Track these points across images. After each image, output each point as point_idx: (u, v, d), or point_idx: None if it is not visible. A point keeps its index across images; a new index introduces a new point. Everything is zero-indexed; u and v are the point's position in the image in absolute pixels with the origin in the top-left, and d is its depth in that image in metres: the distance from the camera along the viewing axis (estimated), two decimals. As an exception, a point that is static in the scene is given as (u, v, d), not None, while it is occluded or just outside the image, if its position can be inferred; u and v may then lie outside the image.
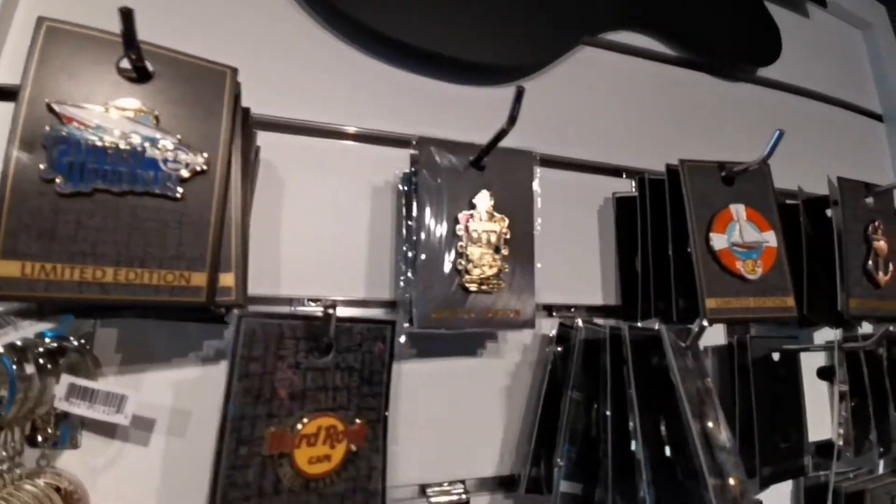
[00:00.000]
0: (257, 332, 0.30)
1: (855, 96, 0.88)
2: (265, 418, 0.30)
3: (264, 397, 0.30)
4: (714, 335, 0.64)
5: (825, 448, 0.57)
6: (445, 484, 0.49)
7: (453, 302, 0.42)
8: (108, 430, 0.41)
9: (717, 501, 0.33)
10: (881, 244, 0.60)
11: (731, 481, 0.36)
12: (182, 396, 0.42)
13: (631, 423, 0.39)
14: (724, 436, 0.38)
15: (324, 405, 0.32)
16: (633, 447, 0.38)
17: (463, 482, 0.50)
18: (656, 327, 0.39)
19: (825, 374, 0.60)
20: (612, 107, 0.66)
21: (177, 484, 0.41)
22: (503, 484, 0.51)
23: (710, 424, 0.37)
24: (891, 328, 0.48)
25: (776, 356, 0.59)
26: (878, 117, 0.90)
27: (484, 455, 0.51)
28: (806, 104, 0.82)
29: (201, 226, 0.32)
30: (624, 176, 0.63)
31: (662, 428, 0.40)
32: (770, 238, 0.50)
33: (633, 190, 0.60)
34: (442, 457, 0.49)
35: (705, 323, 0.40)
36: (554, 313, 0.54)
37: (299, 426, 0.31)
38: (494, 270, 0.43)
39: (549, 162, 0.60)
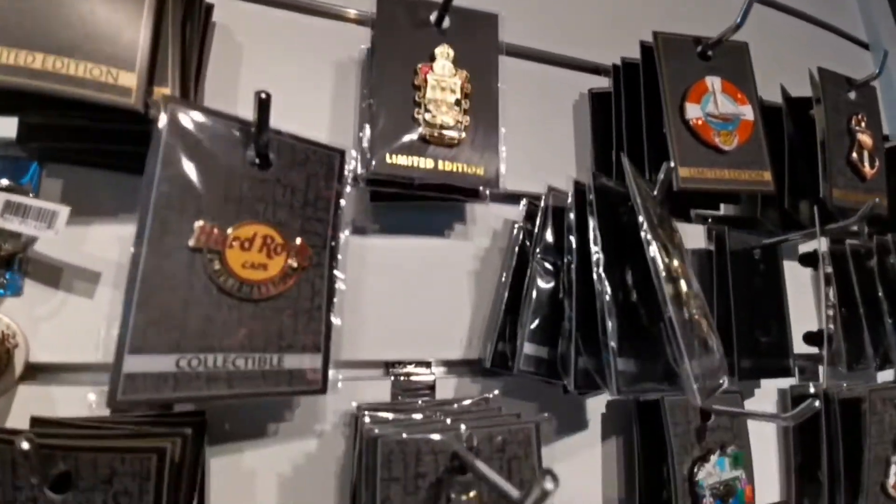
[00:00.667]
0: (187, 125, 0.28)
1: (842, 23, 0.86)
2: (194, 212, 0.28)
3: (194, 192, 0.28)
4: (695, 240, 0.62)
5: (813, 338, 0.55)
6: (412, 365, 0.47)
7: (410, 150, 0.40)
8: (51, 280, 0.39)
9: (682, 331, 0.32)
10: (865, 137, 0.58)
11: (696, 313, 0.34)
12: (128, 251, 0.41)
13: (595, 273, 0.37)
14: (690, 275, 0.36)
15: (262, 217, 0.31)
16: (597, 294, 0.36)
17: (429, 364, 0.48)
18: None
19: (808, 259, 0.58)
20: (590, 7, 0.64)
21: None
22: (470, 367, 0.49)
23: (676, 263, 0.35)
24: (877, 200, 0.46)
25: (757, 253, 0.57)
26: (866, 45, 0.88)
27: (451, 338, 0.49)
28: (793, 23, 0.81)
29: (130, 27, 0.30)
30: (601, 74, 0.61)
31: (629, 276, 0.38)
32: (747, 112, 0.49)
33: (609, 85, 0.58)
34: (407, 337, 0.47)
35: (672, 164, 0.38)
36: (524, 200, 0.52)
37: (232, 228, 0.29)
38: (453, 122, 0.41)
39: (525, 54, 0.58)
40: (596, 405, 0.53)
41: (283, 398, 0.30)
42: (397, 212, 0.48)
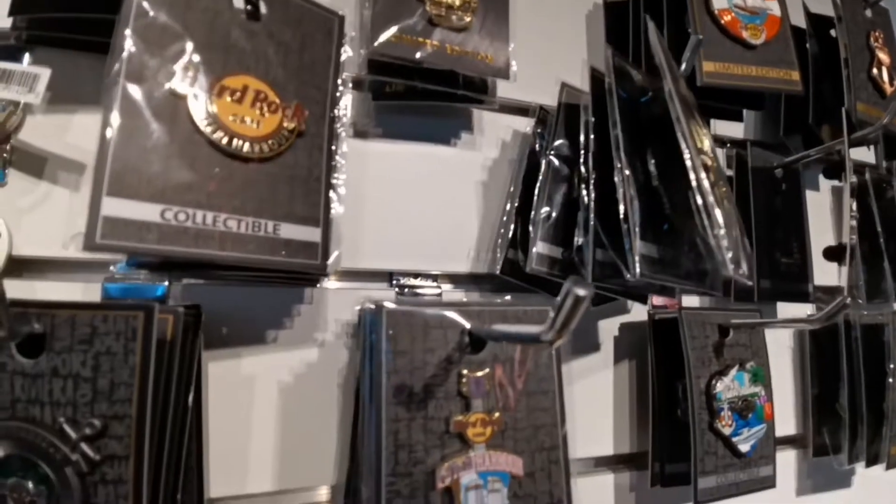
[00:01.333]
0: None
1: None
2: (176, 54, 0.25)
3: (175, 32, 0.25)
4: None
5: (834, 252, 0.53)
6: (417, 278, 0.45)
7: (415, 31, 0.37)
8: (35, 170, 0.37)
9: (712, 199, 0.29)
10: (883, 55, 0.56)
11: (725, 194, 0.31)
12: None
13: (615, 157, 0.34)
14: (718, 161, 0.33)
15: (253, 71, 0.28)
16: (617, 180, 0.33)
17: (435, 277, 0.46)
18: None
19: (832, 172, 0.56)
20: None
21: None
22: (477, 282, 0.47)
23: (707, 143, 0.32)
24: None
25: (779, 173, 0.55)
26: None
27: (457, 250, 0.46)
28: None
29: None
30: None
31: (650, 163, 0.35)
32: (773, 7, 0.45)
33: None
34: (412, 248, 0.45)
35: (700, 36, 0.35)
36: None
37: (219, 76, 0.27)
38: (461, 2, 0.38)
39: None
40: (608, 327, 0.51)
41: (281, 268, 0.28)
42: (401, 115, 0.46)
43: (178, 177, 0.25)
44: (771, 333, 0.56)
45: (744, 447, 0.44)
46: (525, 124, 0.49)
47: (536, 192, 0.41)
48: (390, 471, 0.25)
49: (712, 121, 0.53)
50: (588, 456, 0.49)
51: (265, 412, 0.39)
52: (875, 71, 0.56)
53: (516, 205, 0.44)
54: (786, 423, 0.59)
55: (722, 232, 0.27)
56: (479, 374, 0.28)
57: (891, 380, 0.54)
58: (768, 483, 0.47)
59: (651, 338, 0.48)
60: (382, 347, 0.26)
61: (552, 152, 0.41)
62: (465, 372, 0.27)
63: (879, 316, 0.57)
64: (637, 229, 0.32)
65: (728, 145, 0.59)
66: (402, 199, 0.45)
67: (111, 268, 0.32)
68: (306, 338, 0.41)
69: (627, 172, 0.32)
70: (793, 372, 0.60)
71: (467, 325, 0.28)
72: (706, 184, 0.28)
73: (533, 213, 0.40)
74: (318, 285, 0.41)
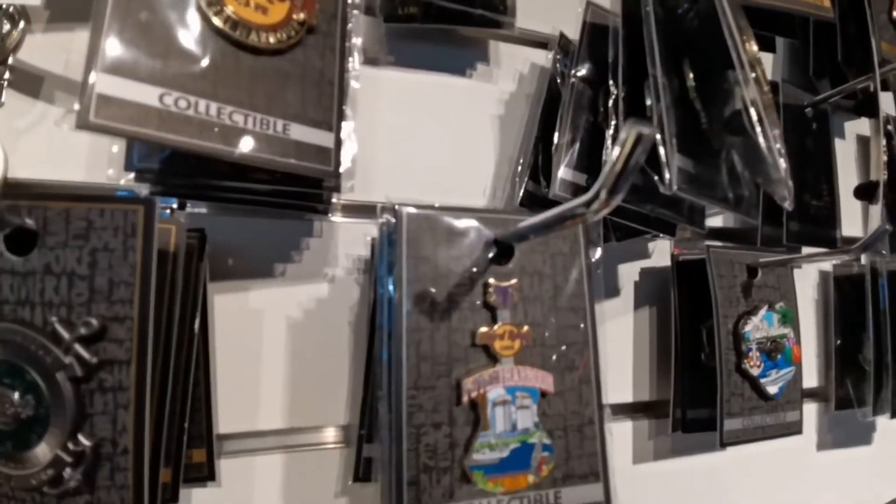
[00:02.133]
0: None
1: None
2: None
3: None
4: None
5: (865, 190, 0.51)
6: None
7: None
8: (32, 90, 0.35)
9: (768, 117, 0.27)
10: None
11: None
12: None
13: (650, 66, 0.32)
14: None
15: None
16: (651, 90, 0.31)
17: (449, 214, 0.44)
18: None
19: (863, 108, 0.53)
20: None
21: (104, 142, 0.35)
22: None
23: (755, 46, 0.30)
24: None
25: (809, 112, 0.52)
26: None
27: (473, 187, 0.44)
28: None
29: None
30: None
31: (688, 77, 0.33)
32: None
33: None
34: (425, 182, 0.43)
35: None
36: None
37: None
38: None
39: None
40: (629, 272, 0.49)
41: (290, 171, 0.26)
42: (414, 43, 0.43)
43: (180, 61, 0.23)
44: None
45: (772, 389, 0.42)
46: (543, 57, 0.47)
47: (559, 117, 0.38)
48: (412, 384, 0.24)
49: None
50: (606, 403, 0.48)
51: (274, 348, 0.38)
52: (895, 14, 0.54)
53: (536, 136, 0.41)
54: (808, 375, 0.57)
55: (775, 133, 0.25)
56: (506, 283, 0.26)
57: (920, 329, 0.52)
58: (795, 429, 0.45)
59: (674, 280, 0.46)
60: (403, 252, 0.24)
61: (577, 74, 0.38)
62: (491, 281, 0.25)
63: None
64: (674, 140, 0.29)
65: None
66: (414, 130, 0.43)
67: (110, 171, 0.29)
68: (315, 273, 0.39)
69: (664, 81, 0.30)
70: (815, 324, 0.58)
71: (492, 235, 0.26)
72: (753, 77, 0.25)
73: (556, 138, 0.38)
74: (329, 215, 0.39)
